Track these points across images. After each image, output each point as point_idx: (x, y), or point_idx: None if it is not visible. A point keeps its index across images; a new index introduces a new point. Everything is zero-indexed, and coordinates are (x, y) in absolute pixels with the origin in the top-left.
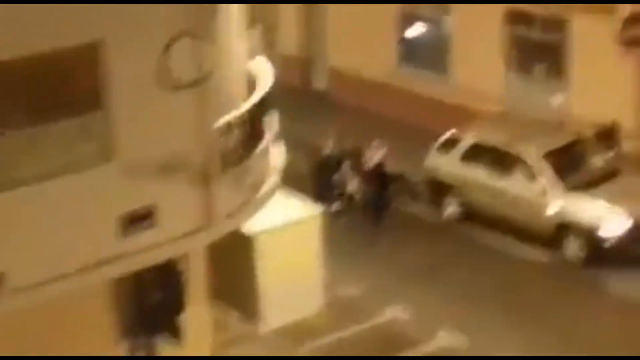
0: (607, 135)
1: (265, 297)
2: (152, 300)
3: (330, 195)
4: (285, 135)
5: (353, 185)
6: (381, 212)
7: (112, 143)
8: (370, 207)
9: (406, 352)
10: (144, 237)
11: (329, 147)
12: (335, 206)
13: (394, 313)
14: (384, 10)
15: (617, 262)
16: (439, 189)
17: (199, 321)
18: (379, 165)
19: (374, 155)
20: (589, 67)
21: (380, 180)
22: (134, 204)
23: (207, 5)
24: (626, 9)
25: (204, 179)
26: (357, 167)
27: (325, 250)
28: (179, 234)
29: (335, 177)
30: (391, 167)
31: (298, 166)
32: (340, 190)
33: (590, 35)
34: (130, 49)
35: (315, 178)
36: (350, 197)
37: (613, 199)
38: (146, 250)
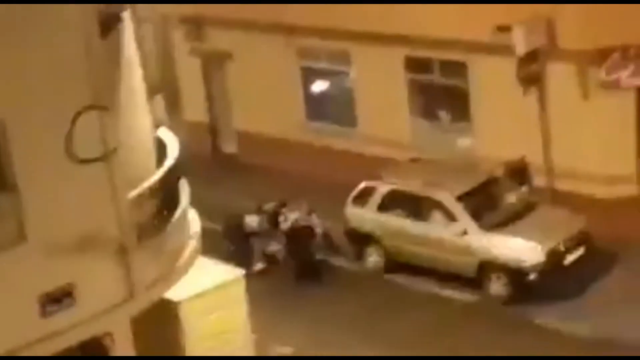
0: (518, 172)
1: None
2: None
3: (251, 257)
4: (199, 201)
5: (274, 244)
6: (306, 268)
7: (24, 223)
8: (295, 265)
9: None
10: (66, 315)
11: (245, 209)
12: (258, 266)
13: None
14: (286, 66)
15: (540, 295)
16: (360, 240)
17: None
18: (299, 223)
19: (294, 213)
20: (493, 107)
21: (302, 238)
22: (53, 283)
23: (110, 77)
24: (521, 48)
25: (122, 252)
26: (277, 226)
27: (253, 311)
28: (101, 310)
29: (255, 237)
30: (311, 223)
31: (215, 231)
32: (261, 251)
33: (490, 75)
34: (34, 127)
35: (234, 241)
36: (273, 257)
37: (530, 234)
38: (69, 329)
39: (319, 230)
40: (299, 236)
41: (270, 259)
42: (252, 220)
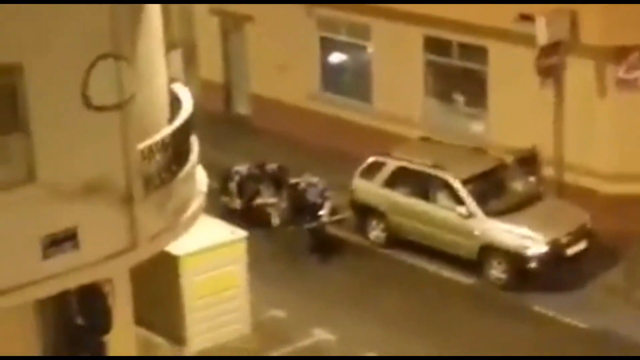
0: (528, 161)
1: (191, 319)
2: (77, 321)
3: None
4: (206, 159)
5: (270, 197)
6: (319, 242)
7: (33, 164)
8: (310, 238)
9: None
10: (68, 258)
11: (244, 165)
12: (236, 204)
13: (321, 335)
14: (305, 35)
15: (538, 284)
16: (364, 213)
17: (124, 343)
18: (306, 193)
19: (309, 184)
20: (508, 95)
21: (309, 206)
22: (57, 226)
23: (130, 27)
24: (543, 39)
25: (128, 202)
26: (279, 187)
27: (252, 272)
28: (103, 256)
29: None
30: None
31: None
32: (241, 191)
33: (508, 63)
34: (50, 71)
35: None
36: (266, 214)
37: (534, 224)
38: (70, 272)
39: (326, 208)
40: (308, 205)
41: (263, 214)
42: (242, 169)
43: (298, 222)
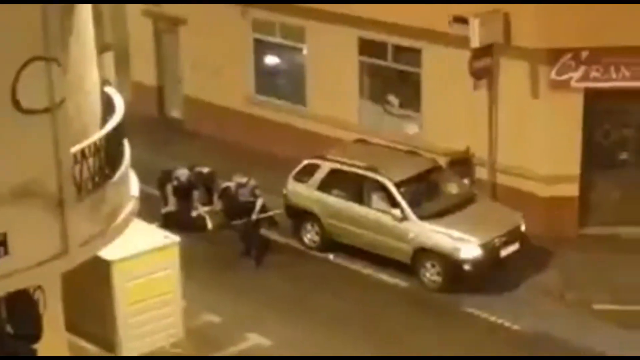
0: (461, 164)
1: (124, 326)
2: (5, 329)
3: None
4: (138, 163)
5: (201, 206)
6: (243, 237)
7: None
8: (242, 240)
9: None
10: None
11: (180, 170)
12: (168, 208)
13: (256, 340)
14: (239, 37)
15: (472, 287)
16: (299, 216)
17: (55, 350)
18: (238, 194)
19: (240, 186)
20: (442, 97)
21: (242, 206)
22: None
23: (62, 29)
24: (475, 41)
25: (59, 206)
26: (210, 192)
27: (186, 277)
28: (33, 263)
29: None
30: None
31: (151, 195)
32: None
33: (442, 65)
34: None
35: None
36: (202, 220)
37: (467, 226)
38: None
39: (257, 206)
40: (242, 209)
41: (199, 222)
42: (182, 174)
43: (232, 225)
